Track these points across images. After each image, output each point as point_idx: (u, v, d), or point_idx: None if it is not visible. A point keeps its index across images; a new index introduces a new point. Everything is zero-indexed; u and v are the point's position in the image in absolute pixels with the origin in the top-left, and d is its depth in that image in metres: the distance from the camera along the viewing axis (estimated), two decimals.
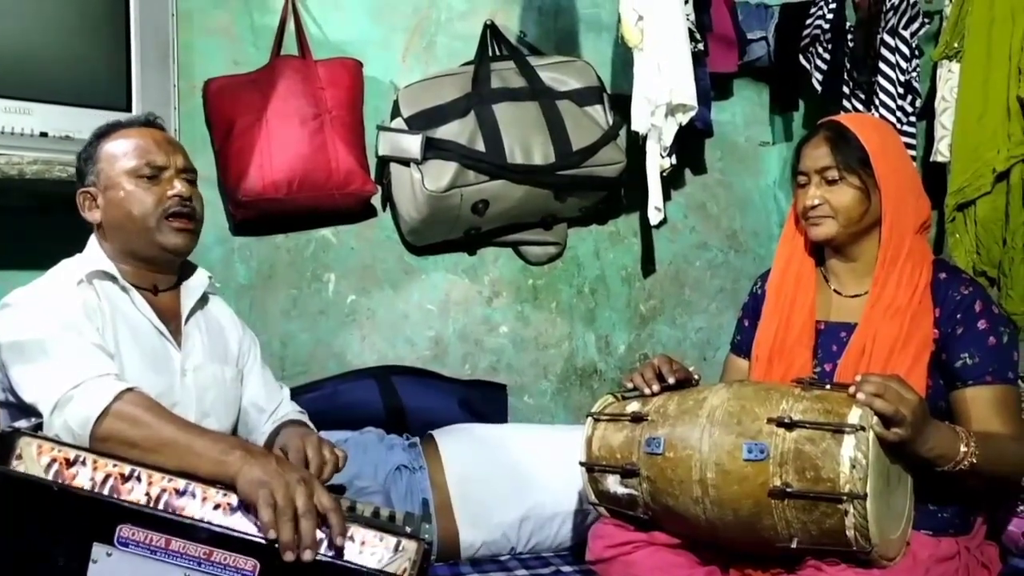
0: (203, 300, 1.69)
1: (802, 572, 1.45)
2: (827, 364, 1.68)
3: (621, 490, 1.59)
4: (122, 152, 1.57)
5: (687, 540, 1.58)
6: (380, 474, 2.03)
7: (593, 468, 1.64)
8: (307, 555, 1.21)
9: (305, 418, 1.78)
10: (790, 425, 1.39)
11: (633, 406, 1.63)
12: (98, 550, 1.22)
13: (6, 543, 1.24)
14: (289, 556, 1.20)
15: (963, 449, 1.45)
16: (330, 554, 1.24)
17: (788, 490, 1.37)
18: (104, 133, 1.60)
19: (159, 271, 1.61)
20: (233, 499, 1.26)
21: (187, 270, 1.68)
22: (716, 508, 1.45)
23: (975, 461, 1.45)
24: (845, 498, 1.33)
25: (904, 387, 1.40)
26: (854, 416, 1.37)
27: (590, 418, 1.67)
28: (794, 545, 1.40)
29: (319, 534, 1.25)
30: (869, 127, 1.71)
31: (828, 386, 1.49)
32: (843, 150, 1.65)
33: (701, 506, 1.46)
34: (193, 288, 1.66)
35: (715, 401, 1.50)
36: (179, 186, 1.56)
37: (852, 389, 1.40)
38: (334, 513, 1.25)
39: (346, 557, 1.26)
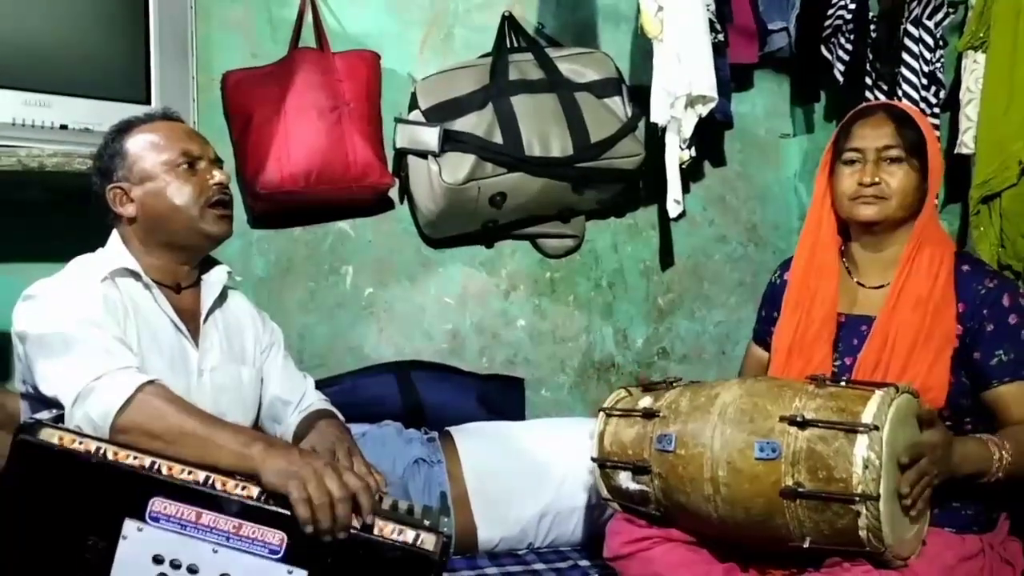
0: (222, 297, 1.69)
1: (825, 571, 1.43)
2: (847, 358, 1.67)
3: (633, 486, 1.58)
4: (155, 144, 1.57)
5: (702, 536, 1.58)
6: (398, 467, 2.03)
7: (605, 464, 1.63)
8: (340, 534, 1.24)
9: (329, 406, 1.79)
10: (803, 424, 1.38)
11: (645, 401, 1.62)
12: (129, 526, 1.24)
13: (39, 519, 1.26)
14: (326, 537, 1.24)
15: (996, 455, 1.44)
16: (358, 527, 1.27)
17: (800, 490, 1.36)
18: (125, 129, 1.60)
19: (186, 263, 1.61)
20: (253, 490, 1.27)
21: (207, 265, 1.69)
22: (728, 507, 1.44)
23: (1010, 459, 1.45)
24: (858, 499, 1.32)
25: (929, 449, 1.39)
26: (868, 415, 1.35)
27: (602, 413, 1.67)
28: (806, 545, 1.39)
29: None
30: (919, 115, 1.72)
31: (843, 383, 1.47)
32: (907, 132, 1.64)
33: (712, 504, 1.46)
34: (213, 284, 1.66)
35: (727, 398, 1.49)
36: (218, 175, 1.59)
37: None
38: (364, 493, 1.27)
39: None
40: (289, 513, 1.25)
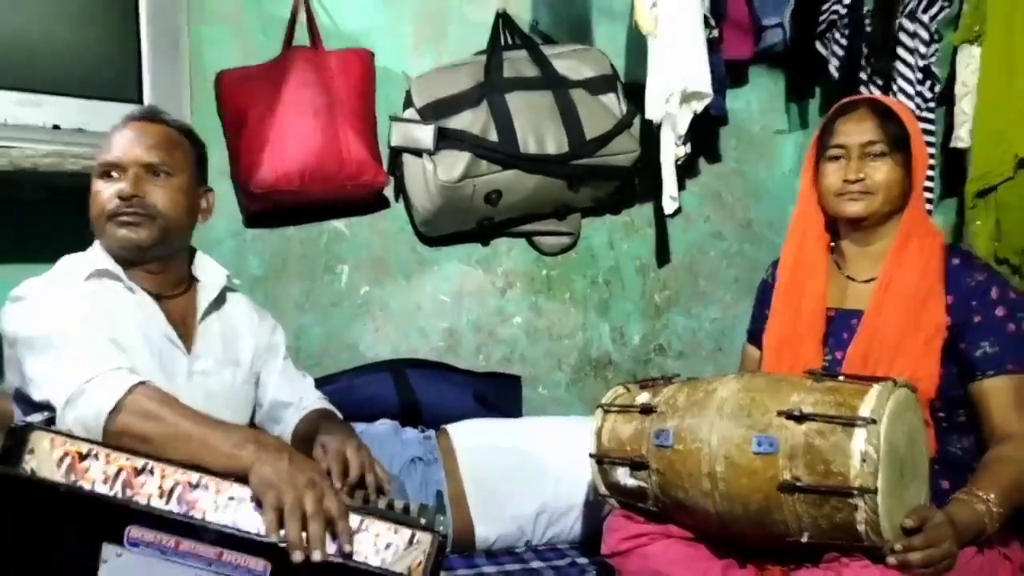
0: (220, 299, 1.67)
1: (824, 567, 1.43)
2: (837, 352, 1.67)
3: (631, 482, 1.58)
4: (101, 149, 1.56)
5: (700, 532, 1.57)
6: (395, 466, 2.02)
7: (603, 460, 1.63)
8: (316, 555, 1.20)
9: (328, 405, 1.79)
10: (800, 418, 1.37)
11: (643, 397, 1.62)
12: (108, 550, 1.22)
13: (15, 545, 1.24)
14: (297, 556, 1.19)
15: (983, 511, 1.42)
16: (338, 558, 1.23)
17: (798, 484, 1.35)
18: (112, 128, 1.60)
19: (157, 272, 1.58)
20: (247, 491, 1.26)
21: (203, 269, 1.67)
22: (726, 502, 1.44)
23: (999, 509, 1.43)
24: (856, 493, 1.32)
25: (941, 535, 1.36)
26: (866, 409, 1.35)
27: (600, 409, 1.67)
28: (804, 539, 1.38)
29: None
30: (901, 108, 1.72)
31: (841, 377, 1.47)
32: (890, 126, 1.65)
33: (711, 499, 1.45)
34: (209, 287, 1.64)
35: (724, 393, 1.49)
36: (125, 185, 1.51)
37: (891, 560, 1.34)
38: (340, 520, 1.23)
39: (358, 553, 1.25)
40: (273, 541, 1.22)
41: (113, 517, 1.23)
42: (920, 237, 1.64)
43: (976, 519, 1.42)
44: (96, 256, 1.56)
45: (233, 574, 1.22)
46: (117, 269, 1.54)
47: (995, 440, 1.56)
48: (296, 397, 1.76)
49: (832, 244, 1.78)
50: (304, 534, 1.20)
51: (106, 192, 1.52)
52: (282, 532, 1.21)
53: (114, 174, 1.53)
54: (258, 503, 1.24)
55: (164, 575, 1.22)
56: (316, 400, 1.78)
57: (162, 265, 1.59)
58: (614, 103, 2.44)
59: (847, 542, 1.38)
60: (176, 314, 1.59)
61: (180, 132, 1.62)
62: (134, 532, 1.22)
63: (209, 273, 1.67)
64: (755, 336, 1.88)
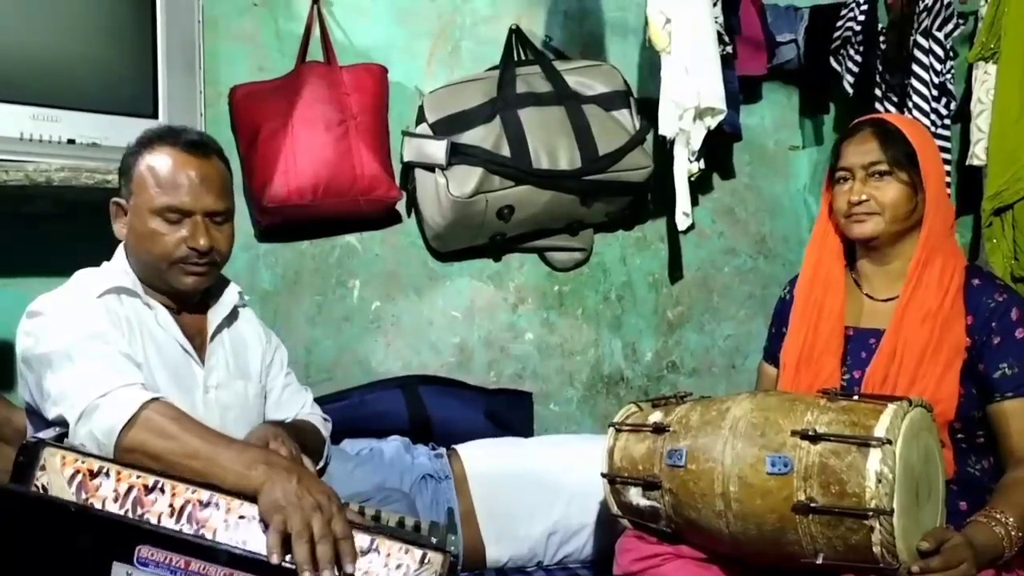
0: (233, 316, 1.68)
1: None
2: (856, 371, 1.66)
3: (643, 502, 1.56)
4: (155, 179, 1.50)
5: (713, 553, 1.56)
6: (405, 483, 2.02)
7: (615, 480, 1.62)
8: None
9: (313, 418, 1.78)
10: (814, 438, 1.36)
11: (655, 416, 1.61)
12: (118, 569, 1.22)
13: (26, 563, 1.24)
14: None
15: (1002, 535, 1.41)
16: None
17: (812, 505, 1.34)
18: (147, 144, 1.54)
19: (179, 295, 1.59)
20: (257, 510, 1.25)
21: (217, 286, 1.66)
22: (739, 522, 1.42)
23: (1018, 533, 1.42)
24: (871, 514, 1.30)
25: (959, 557, 1.34)
26: (880, 429, 1.34)
27: (612, 428, 1.66)
28: (819, 561, 1.37)
29: None
30: (910, 125, 1.72)
31: (856, 396, 1.46)
32: (892, 145, 1.64)
33: (724, 520, 1.44)
34: (222, 304, 1.65)
35: (738, 412, 1.47)
36: (200, 238, 1.50)
37: None
38: (345, 542, 1.23)
39: (368, 574, 1.24)
40: (286, 564, 1.21)
41: (123, 536, 1.22)
42: (944, 257, 1.63)
43: (995, 541, 1.41)
44: (115, 272, 1.56)
45: None
46: (136, 285, 1.54)
47: (1013, 462, 1.55)
48: (287, 413, 1.76)
49: (852, 262, 1.77)
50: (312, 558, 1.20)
51: (172, 237, 1.50)
52: (288, 557, 1.20)
53: (174, 216, 1.51)
54: (267, 524, 1.24)
55: None
56: (309, 412, 1.79)
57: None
58: (627, 119, 2.44)
59: (862, 564, 1.36)
60: (190, 328, 1.60)
61: (224, 163, 1.60)
62: (144, 552, 1.22)
63: (224, 291, 1.67)
64: (772, 354, 1.87)
